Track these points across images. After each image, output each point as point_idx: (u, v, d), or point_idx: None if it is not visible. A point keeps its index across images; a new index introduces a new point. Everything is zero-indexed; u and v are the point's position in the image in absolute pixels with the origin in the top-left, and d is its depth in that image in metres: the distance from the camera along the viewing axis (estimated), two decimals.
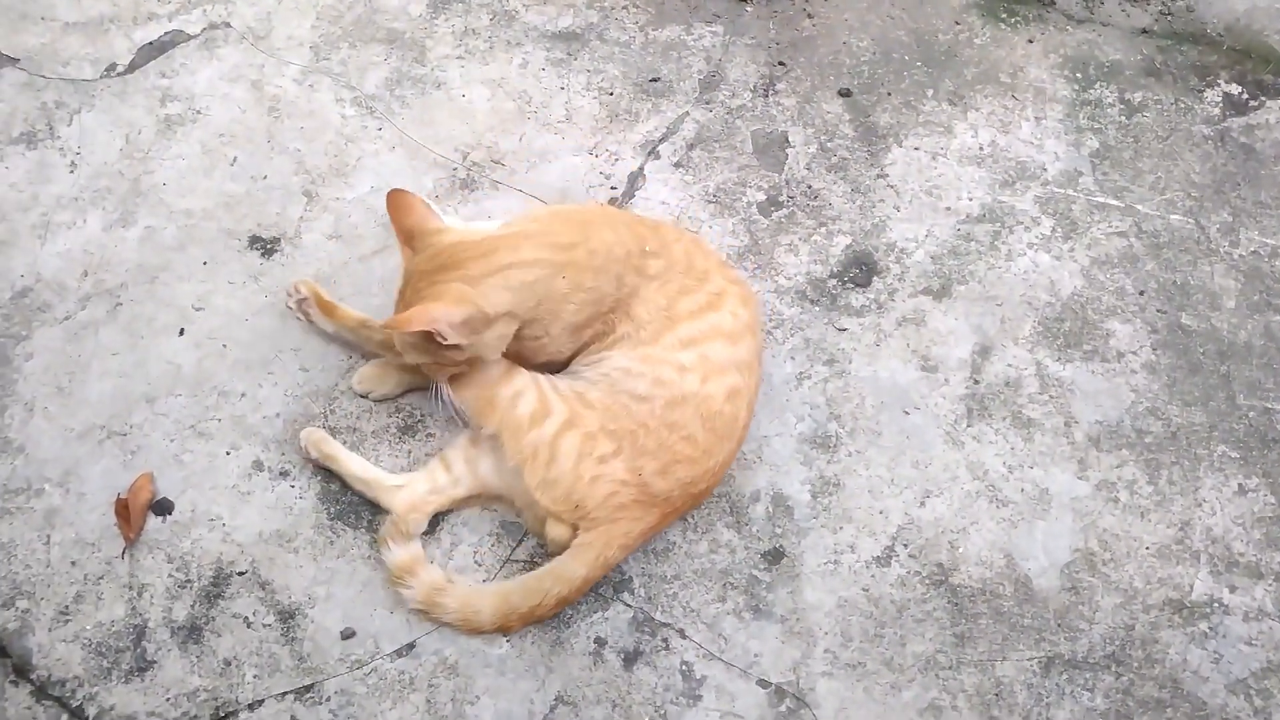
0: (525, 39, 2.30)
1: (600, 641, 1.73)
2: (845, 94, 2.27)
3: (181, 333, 1.94)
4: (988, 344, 2.00)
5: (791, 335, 1.99)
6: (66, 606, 1.72)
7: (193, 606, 1.73)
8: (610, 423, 1.67)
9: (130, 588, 1.74)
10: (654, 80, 2.26)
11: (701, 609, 1.76)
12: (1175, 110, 2.27)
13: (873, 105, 2.26)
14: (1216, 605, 1.79)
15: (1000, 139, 2.22)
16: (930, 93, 2.28)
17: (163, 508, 1.80)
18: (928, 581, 1.79)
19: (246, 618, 1.72)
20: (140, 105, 2.17)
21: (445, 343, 1.59)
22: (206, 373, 1.91)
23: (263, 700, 1.67)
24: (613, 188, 2.13)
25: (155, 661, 1.69)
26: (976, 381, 1.97)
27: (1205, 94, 2.30)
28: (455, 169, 2.13)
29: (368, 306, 1.94)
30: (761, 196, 2.14)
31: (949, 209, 2.14)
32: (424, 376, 1.79)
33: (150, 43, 2.25)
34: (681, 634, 1.74)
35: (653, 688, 1.70)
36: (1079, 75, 2.31)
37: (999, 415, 1.93)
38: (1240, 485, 1.89)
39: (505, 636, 1.71)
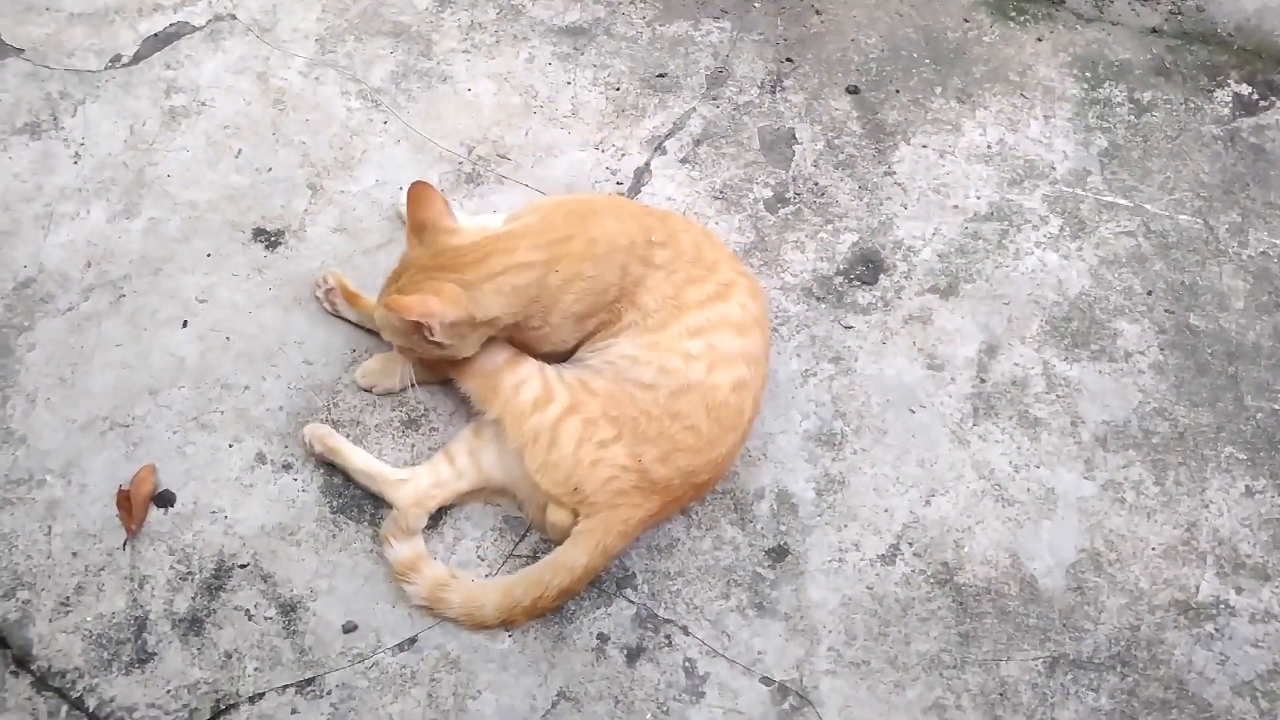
0: (532, 33, 2.29)
1: (603, 637, 1.72)
2: (853, 91, 2.26)
3: (185, 325, 1.94)
4: (995, 343, 1.99)
5: (797, 332, 1.99)
6: (67, 598, 1.71)
7: (194, 599, 1.72)
8: (612, 409, 1.67)
9: (131, 579, 1.73)
10: (661, 76, 2.25)
11: (705, 606, 1.75)
12: (1185, 110, 2.26)
13: (881, 102, 2.25)
14: (1223, 606, 1.78)
15: (1009, 137, 2.21)
16: (939, 90, 2.27)
17: (165, 500, 1.79)
18: (932, 580, 1.78)
19: (248, 610, 1.72)
20: (145, 97, 2.17)
21: (430, 337, 1.63)
22: (209, 365, 1.90)
23: (263, 693, 1.66)
24: (619, 183, 2.12)
25: (156, 653, 1.68)
26: (983, 380, 1.96)
27: (1215, 94, 2.29)
28: (461, 163, 2.13)
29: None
30: (768, 193, 2.13)
31: (957, 207, 2.13)
32: (428, 373, 1.84)
33: (155, 34, 2.24)
34: (685, 631, 1.73)
35: (655, 684, 1.69)
36: (1088, 74, 2.30)
37: (1005, 414, 1.92)
38: (1247, 486, 1.88)
39: (508, 631, 1.71)
